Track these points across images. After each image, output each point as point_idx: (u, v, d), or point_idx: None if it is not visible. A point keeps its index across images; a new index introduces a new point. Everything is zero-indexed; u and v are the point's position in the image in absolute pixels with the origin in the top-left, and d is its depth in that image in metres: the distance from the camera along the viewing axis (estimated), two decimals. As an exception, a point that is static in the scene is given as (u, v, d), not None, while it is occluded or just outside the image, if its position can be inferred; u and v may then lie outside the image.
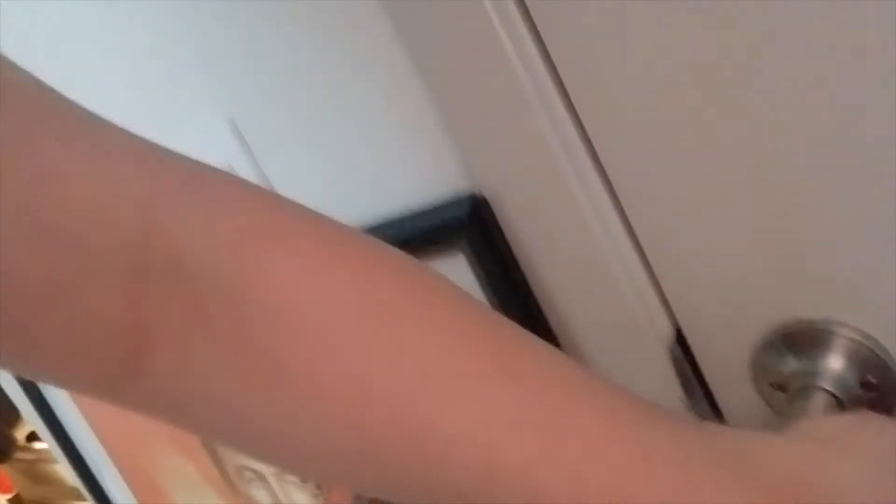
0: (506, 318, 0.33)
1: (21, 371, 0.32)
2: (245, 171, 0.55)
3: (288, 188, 0.55)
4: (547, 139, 0.42)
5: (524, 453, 0.29)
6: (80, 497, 1.31)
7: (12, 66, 0.30)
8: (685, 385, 0.47)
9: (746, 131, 0.38)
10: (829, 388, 0.41)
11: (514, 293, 0.48)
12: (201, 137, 0.56)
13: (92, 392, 0.33)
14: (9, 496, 1.75)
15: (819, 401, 0.41)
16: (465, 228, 0.47)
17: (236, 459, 0.80)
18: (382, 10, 0.45)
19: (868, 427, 0.37)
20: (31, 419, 1.05)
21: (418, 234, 0.49)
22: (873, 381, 0.41)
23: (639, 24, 0.37)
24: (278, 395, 0.30)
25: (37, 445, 1.77)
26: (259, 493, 0.80)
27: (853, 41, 0.34)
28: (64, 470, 1.46)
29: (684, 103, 0.38)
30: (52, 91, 0.30)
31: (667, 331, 0.46)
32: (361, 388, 0.29)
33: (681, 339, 0.46)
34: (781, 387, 0.44)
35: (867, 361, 0.41)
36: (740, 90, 0.37)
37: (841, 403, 0.41)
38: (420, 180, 0.49)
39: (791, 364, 0.43)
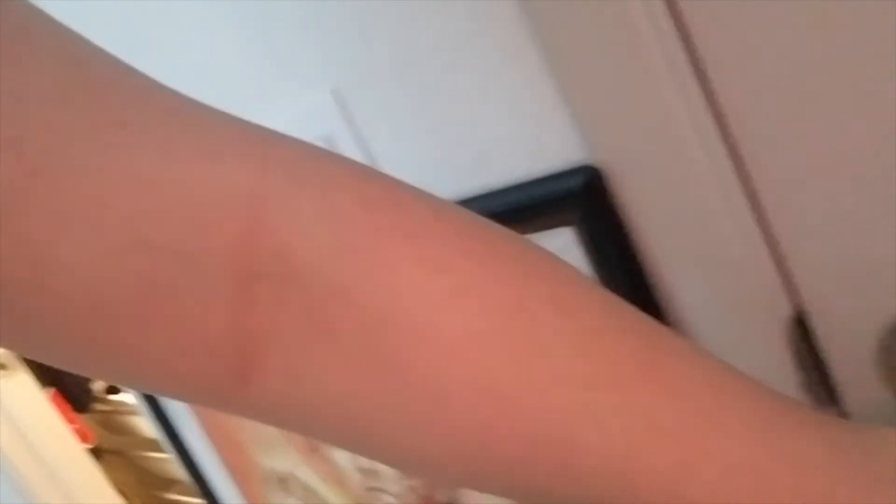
0: (645, 315, 0.29)
1: (124, 384, 0.29)
2: (346, 142, 0.52)
3: (392, 156, 0.51)
4: (674, 110, 0.39)
5: (667, 462, 0.26)
6: (157, 448, 1.31)
7: (105, 59, 0.26)
8: (803, 368, 0.43)
9: (891, 108, 0.34)
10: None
11: (626, 274, 0.44)
12: (304, 108, 0.53)
13: (197, 401, 0.30)
14: (90, 446, 1.76)
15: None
16: (578, 201, 0.43)
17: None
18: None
19: None
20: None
21: (528, 206, 0.46)
22: None
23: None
24: (401, 400, 0.26)
25: (114, 397, 1.78)
26: (341, 456, 0.78)
27: None
28: (141, 421, 1.46)
29: (825, 79, 0.34)
30: (145, 80, 0.27)
31: (786, 311, 0.42)
32: (491, 395, 0.26)
33: (799, 320, 0.42)
34: (909, 373, 0.40)
35: None
36: (882, 71, 0.33)
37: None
38: (532, 149, 0.45)
39: (922, 350, 0.39)
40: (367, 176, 0.28)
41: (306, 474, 0.83)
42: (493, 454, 0.27)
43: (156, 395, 0.29)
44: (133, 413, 1.68)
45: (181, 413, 0.99)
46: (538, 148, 0.45)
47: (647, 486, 0.26)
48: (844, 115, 0.35)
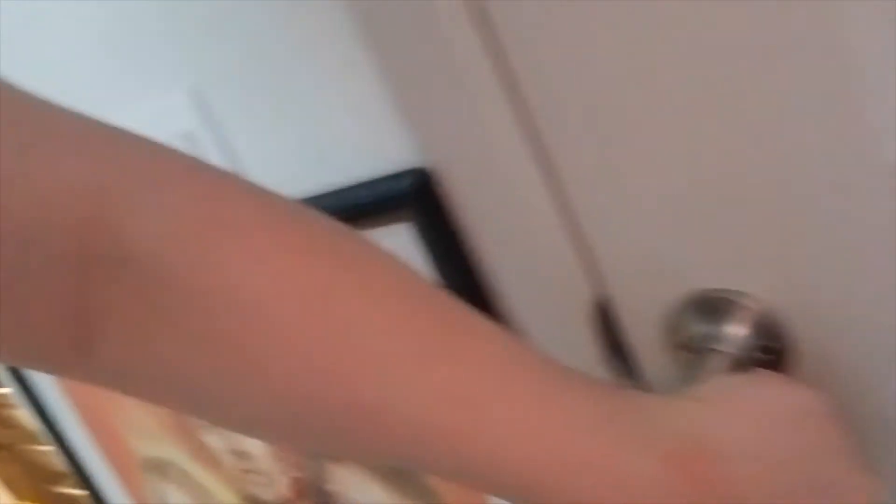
0: (450, 297, 0.33)
1: None
2: (204, 141, 0.55)
3: (248, 152, 0.54)
4: (491, 118, 0.43)
5: (457, 427, 0.30)
6: (39, 441, 1.29)
7: None
8: (605, 347, 0.48)
9: (682, 110, 0.39)
10: (731, 350, 0.43)
11: (456, 265, 0.49)
12: (163, 106, 0.55)
13: (45, 370, 0.33)
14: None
15: (722, 362, 0.43)
16: (411, 200, 0.48)
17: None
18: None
19: (763, 387, 0.38)
20: (-8, 366, 1.03)
21: (364, 205, 0.50)
22: (773, 346, 0.43)
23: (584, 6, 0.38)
24: (230, 375, 0.30)
25: (-4, 391, 1.73)
26: (212, 438, 0.80)
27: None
28: (24, 415, 1.43)
29: (624, 85, 0.39)
30: None
31: (590, 295, 0.47)
32: (307, 370, 0.30)
33: (603, 305, 0.48)
34: (690, 349, 0.46)
35: (768, 328, 0.42)
36: (665, 73, 0.38)
37: (743, 365, 0.43)
38: (369, 152, 0.49)
39: (699, 328, 0.45)
40: (199, 172, 0.32)
41: (182, 459, 0.85)
42: (315, 422, 0.31)
43: (9, 365, 0.32)
44: (15, 406, 1.64)
45: (60, 404, 0.99)
46: (375, 150, 0.49)
47: (438, 448, 0.31)
48: (642, 118, 0.40)
